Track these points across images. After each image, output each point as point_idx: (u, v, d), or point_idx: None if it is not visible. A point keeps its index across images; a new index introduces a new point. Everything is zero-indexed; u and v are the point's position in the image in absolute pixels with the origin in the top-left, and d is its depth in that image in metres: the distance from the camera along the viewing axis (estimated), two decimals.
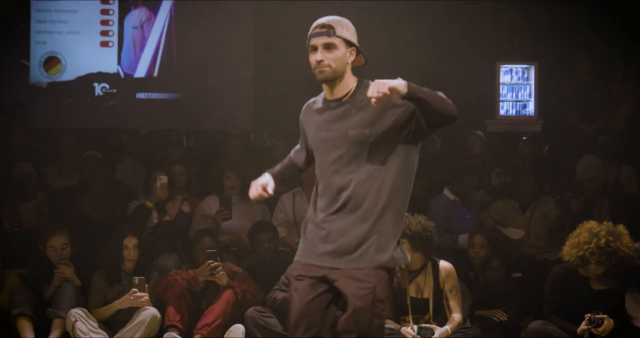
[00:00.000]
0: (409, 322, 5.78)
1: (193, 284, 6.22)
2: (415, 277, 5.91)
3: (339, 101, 3.65)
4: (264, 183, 3.73)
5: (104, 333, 6.00)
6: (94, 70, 10.54)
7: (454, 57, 9.67)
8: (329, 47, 3.58)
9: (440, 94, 3.43)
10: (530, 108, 9.76)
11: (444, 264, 5.98)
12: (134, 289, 6.05)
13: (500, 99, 9.73)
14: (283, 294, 5.80)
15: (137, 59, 10.60)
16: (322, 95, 3.76)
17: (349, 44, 3.62)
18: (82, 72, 10.52)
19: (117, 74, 10.57)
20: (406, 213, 3.94)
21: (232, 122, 9.60)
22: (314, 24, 3.65)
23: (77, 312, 5.97)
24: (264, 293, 6.14)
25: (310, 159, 3.86)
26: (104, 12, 10.55)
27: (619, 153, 8.38)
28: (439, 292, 5.91)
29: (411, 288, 5.89)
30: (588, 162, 7.99)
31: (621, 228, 5.91)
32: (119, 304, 6.11)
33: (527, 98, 9.79)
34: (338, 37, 3.59)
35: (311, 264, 3.61)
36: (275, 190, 3.77)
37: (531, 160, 8.63)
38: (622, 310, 5.99)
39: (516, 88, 9.78)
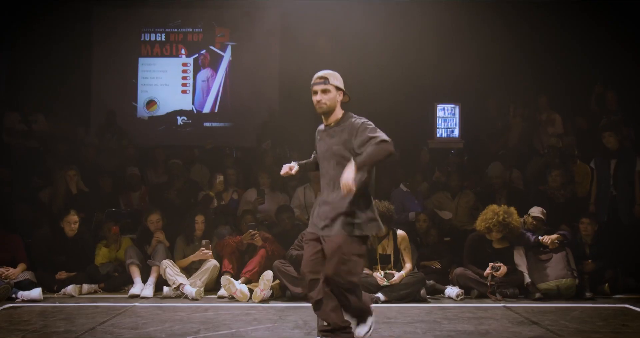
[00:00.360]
0: (378, 269, 5.78)
1: (239, 245, 6.15)
2: (382, 241, 5.87)
3: (330, 127, 3.73)
4: (291, 166, 3.82)
5: (184, 275, 5.96)
6: (177, 108, 10.47)
7: (410, 100, 9.53)
8: (325, 91, 3.66)
9: (379, 144, 3.42)
10: (456, 132, 9.60)
11: (400, 232, 5.94)
12: (202, 248, 6.02)
13: (437, 126, 9.59)
14: (296, 251, 5.74)
15: (204, 101, 10.47)
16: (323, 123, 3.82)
17: (337, 88, 3.70)
18: (170, 110, 10.46)
19: (192, 110, 10.50)
20: (375, 200, 4.11)
21: (264, 140, 9.47)
22: (315, 76, 3.73)
23: (166, 262, 5.98)
24: (285, 251, 6.03)
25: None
26: (184, 71, 10.49)
27: (511, 161, 8.33)
28: (396, 250, 5.86)
29: (379, 247, 5.86)
30: (495, 167, 8.06)
31: (512, 209, 5.97)
32: (193, 257, 6.06)
33: (454, 126, 9.62)
34: (331, 84, 3.67)
35: (313, 232, 3.71)
36: (296, 176, 3.89)
37: (456, 166, 8.54)
38: (512, 261, 6.03)
39: (447, 119, 9.62)
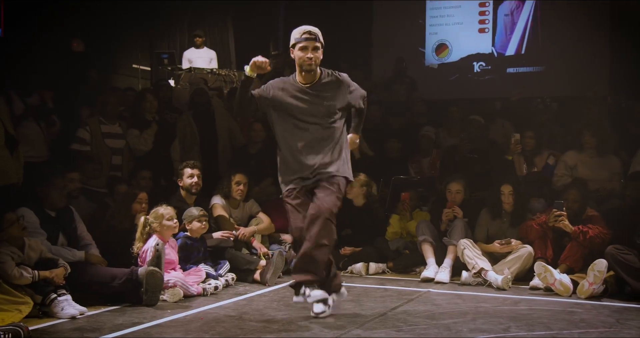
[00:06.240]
0: None
1: (545, 228, 5.93)
2: None
3: (313, 85, 4.53)
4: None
5: (486, 259, 5.94)
6: (473, 51, 10.70)
7: None
8: (315, 49, 4.47)
9: (365, 106, 4.72)
10: None
11: None
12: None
13: None
14: None
15: (507, 41, 10.56)
16: (292, 77, 4.60)
17: (323, 47, 4.54)
18: (464, 54, 10.74)
19: (492, 53, 10.59)
20: None
21: (590, 88, 8.99)
22: (303, 30, 4.46)
23: (465, 242, 6.03)
24: (611, 232, 5.67)
25: (256, 110, 4.62)
26: (481, 4, 10.63)
27: None
28: None
29: None
30: None
31: None
32: (500, 248, 6.02)
33: None
34: (319, 42, 4.50)
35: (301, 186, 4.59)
36: None
37: None
38: None
39: None
